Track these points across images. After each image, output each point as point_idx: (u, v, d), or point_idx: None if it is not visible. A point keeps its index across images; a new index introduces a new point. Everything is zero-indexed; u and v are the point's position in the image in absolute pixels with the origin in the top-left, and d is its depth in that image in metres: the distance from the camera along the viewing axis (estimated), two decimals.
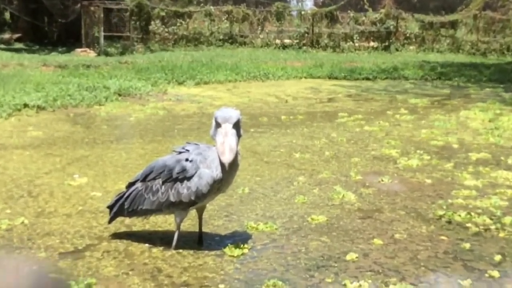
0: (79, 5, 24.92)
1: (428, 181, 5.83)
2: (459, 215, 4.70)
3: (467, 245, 4.09)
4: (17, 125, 8.46)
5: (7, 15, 32.03)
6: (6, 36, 29.03)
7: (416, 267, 3.72)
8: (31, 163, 6.25)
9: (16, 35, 28.36)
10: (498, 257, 3.89)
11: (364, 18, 29.78)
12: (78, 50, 22.89)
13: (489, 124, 9.27)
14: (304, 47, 28.10)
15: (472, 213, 4.74)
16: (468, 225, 4.54)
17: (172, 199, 3.75)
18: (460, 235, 4.32)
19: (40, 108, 9.65)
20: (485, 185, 5.71)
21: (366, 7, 30.73)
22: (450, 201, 5.15)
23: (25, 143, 7.24)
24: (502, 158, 6.91)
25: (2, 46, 25.43)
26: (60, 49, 24.55)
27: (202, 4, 29.08)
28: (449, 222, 4.62)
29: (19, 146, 7.07)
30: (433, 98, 12.87)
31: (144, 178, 3.88)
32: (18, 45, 26.33)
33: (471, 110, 10.76)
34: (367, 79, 16.97)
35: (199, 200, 3.74)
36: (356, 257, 3.83)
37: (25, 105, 9.54)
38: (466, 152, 7.22)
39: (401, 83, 16.24)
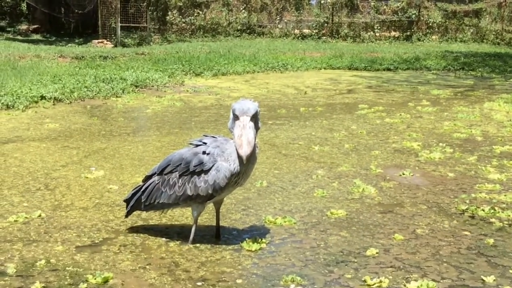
0: None
1: (451, 174, 5.71)
2: (483, 210, 4.60)
3: (491, 241, 4.00)
4: (34, 117, 8.50)
5: (23, 6, 32.36)
6: (23, 27, 29.38)
7: (438, 263, 3.64)
8: (47, 155, 6.26)
9: (33, 26, 28.69)
10: None
11: (385, 7, 29.49)
12: (95, 41, 23.02)
13: None
14: (324, 37, 27.94)
15: (496, 208, 4.64)
16: (492, 220, 4.44)
17: (189, 192, 3.70)
18: (483, 230, 4.22)
19: (57, 100, 9.71)
20: (509, 179, 5.58)
21: None
22: (473, 195, 5.04)
23: (42, 136, 7.27)
24: None
25: (19, 37, 25.73)
26: (77, 40, 24.74)
27: None
28: (472, 217, 4.52)
29: (36, 139, 7.09)
30: (456, 89, 12.68)
31: (161, 171, 3.84)
32: (35, 36, 26.60)
33: (496, 101, 10.56)
34: (388, 69, 16.82)
35: (216, 193, 3.68)
36: (377, 253, 3.76)
37: (42, 97, 9.62)
38: (490, 145, 7.07)
39: (423, 74, 16.06)
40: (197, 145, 3.77)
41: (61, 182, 5.26)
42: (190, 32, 26.97)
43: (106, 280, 3.30)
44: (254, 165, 3.73)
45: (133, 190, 4.03)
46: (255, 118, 3.53)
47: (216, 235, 4.00)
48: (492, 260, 3.70)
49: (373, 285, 3.29)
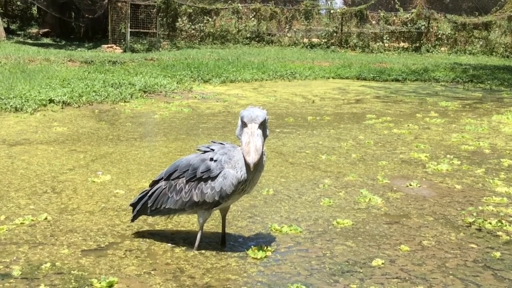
0: (106, 0, 25.20)
1: (458, 186, 5.69)
2: (490, 223, 4.58)
3: (498, 254, 3.98)
4: (42, 120, 8.54)
5: (34, 10, 32.61)
6: (34, 30, 29.61)
7: (444, 275, 3.62)
8: (55, 159, 6.28)
9: (43, 30, 28.92)
10: None
11: (394, 18, 29.53)
12: (105, 46, 23.15)
13: None
14: (333, 47, 27.98)
15: (503, 221, 4.61)
16: (499, 233, 4.42)
17: (195, 199, 3.70)
18: (490, 243, 4.20)
19: (65, 103, 9.76)
20: None
21: (397, 6, 30.40)
22: (480, 208, 5.01)
23: (50, 139, 7.30)
24: None
25: (29, 40, 25.89)
26: (86, 45, 24.88)
27: (229, 2, 29.12)
28: (479, 229, 4.49)
29: (44, 142, 7.12)
30: (464, 101, 12.65)
31: (168, 177, 3.84)
32: (45, 40, 26.78)
33: (504, 114, 10.53)
34: (397, 80, 16.81)
35: (223, 200, 3.68)
36: (382, 263, 3.74)
37: (51, 101, 9.67)
38: (498, 157, 7.04)
39: (432, 85, 16.05)
40: (204, 152, 3.77)
41: (68, 185, 5.28)
42: (199, 39, 27.07)
43: (111, 285, 3.29)
44: (261, 173, 3.73)
45: (139, 194, 4.03)
46: (263, 125, 3.53)
47: (221, 242, 3.99)
48: (498, 273, 3.67)
49: None
